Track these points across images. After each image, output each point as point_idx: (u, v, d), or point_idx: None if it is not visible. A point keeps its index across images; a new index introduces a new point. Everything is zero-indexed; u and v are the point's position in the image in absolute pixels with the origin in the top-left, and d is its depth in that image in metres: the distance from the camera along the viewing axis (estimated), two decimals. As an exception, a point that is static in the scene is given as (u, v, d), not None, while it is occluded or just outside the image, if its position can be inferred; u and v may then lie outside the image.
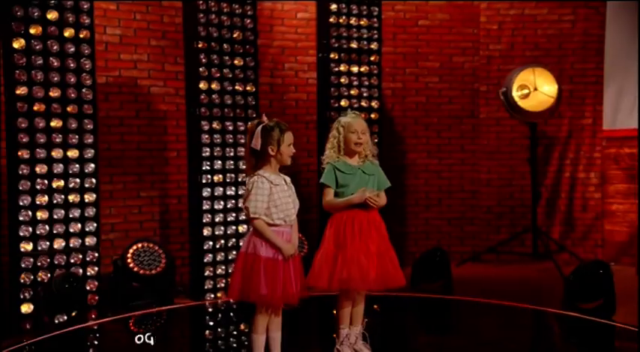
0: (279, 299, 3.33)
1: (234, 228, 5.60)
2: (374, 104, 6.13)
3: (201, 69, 5.45)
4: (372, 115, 6.13)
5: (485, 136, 6.99)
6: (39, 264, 4.80)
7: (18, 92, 4.71)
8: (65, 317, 4.66)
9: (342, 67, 6.01)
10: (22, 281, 4.73)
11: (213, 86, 5.50)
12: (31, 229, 4.77)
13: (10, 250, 4.75)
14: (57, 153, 4.87)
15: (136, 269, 5.27)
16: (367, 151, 3.75)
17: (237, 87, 5.59)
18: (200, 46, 5.42)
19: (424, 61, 6.89)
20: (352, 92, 6.04)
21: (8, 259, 4.78)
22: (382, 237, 3.69)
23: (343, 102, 5.99)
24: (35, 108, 4.78)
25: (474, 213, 6.99)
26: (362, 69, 6.08)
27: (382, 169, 3.78)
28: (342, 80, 6.00)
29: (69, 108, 4.92)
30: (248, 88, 5.64)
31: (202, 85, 5.46)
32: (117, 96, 5.78)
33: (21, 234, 4.74)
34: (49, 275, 4.79)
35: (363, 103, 6.10)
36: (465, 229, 6.98)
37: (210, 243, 5.52)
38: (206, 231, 5.50)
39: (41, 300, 4.53)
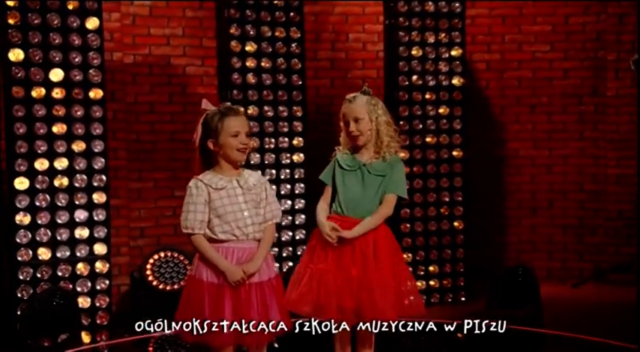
0: (230, 336, 2.91)
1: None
2: (456, 81, 5.59)
3: (233, 43, 5.20)
4: (454, 95, 5.60)
5: (613, 120, 6.27)
6: (39, 275, 4.69)
7: (13, 75, 4.62)
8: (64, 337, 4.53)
9: (414, 36, 5.48)
10: (19, 295, 4.62)
11: (249, 63, 5.25)
12: (30, 235, 4.69)
13: (6, 258, 4.66)
14: (60, 146, 4.79)
15: (155, 283, 5.07)
16: (384, 142, 3.35)
17: (278, 63, 5.31)
18: (232, 14, 5.15)
19: (530, 25, 6.29)
20: (427, 67, 5.53)
21: (5, 269, 4.71)
22: (367, 260, 3.22)
23: (415, 79, 5.49)
24: (34, 93, 4.71)
25: (597, 220, 6.32)
26: (440, 37, 5.53)
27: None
28: (414, 52, 5.50)
29: (73, 93, 4.82)
30: (292, 65, 5.34)
31: (235, 63, 5.19)
32: (146, 78, 5.63)
33: (18, 240, 4.66)
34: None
35: (443, 81, 5.54)
36: (586, 240, 6.33)
37: (247, 253, 5.15)
38: (240, 239, 5.14)
39: (22, 320, 4.31)
